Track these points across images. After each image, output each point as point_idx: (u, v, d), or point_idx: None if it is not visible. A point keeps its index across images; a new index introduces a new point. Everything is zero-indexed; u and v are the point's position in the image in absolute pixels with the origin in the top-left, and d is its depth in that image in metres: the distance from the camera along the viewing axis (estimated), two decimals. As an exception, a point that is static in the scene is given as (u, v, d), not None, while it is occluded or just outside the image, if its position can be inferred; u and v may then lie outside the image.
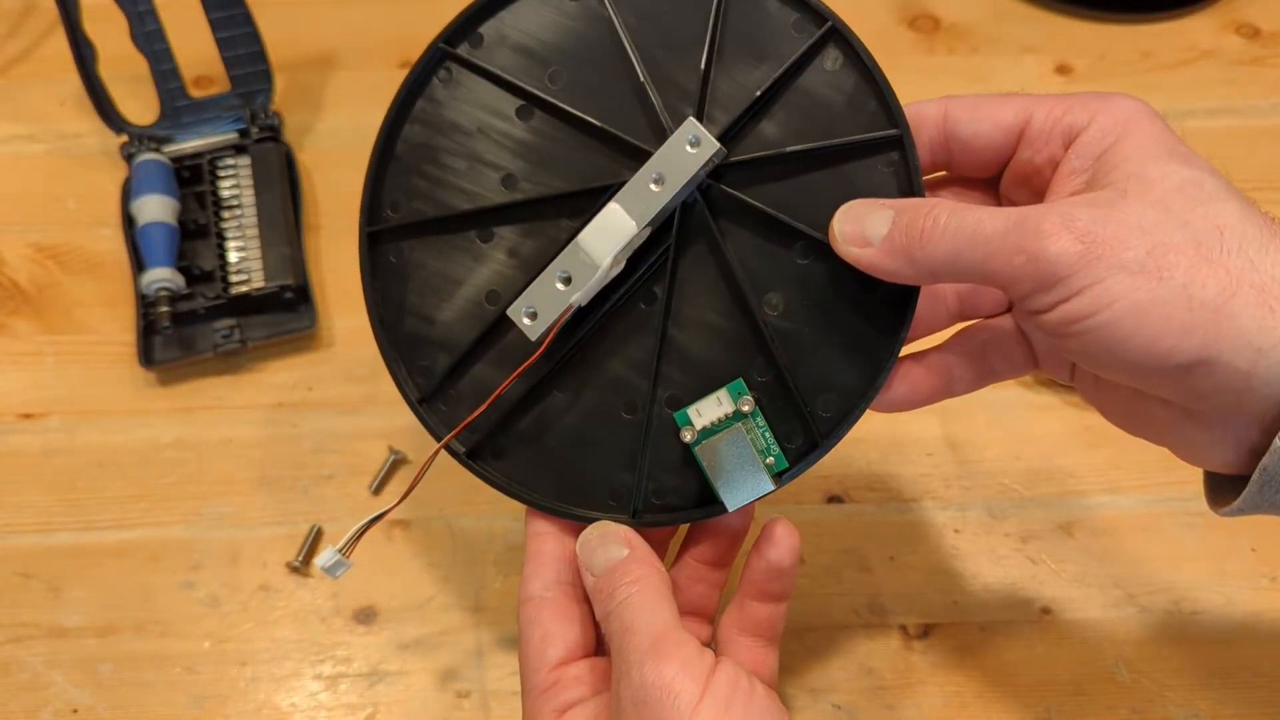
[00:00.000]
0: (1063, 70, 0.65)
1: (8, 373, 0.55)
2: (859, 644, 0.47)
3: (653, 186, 0.34)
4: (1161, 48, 0.66)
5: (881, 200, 0.34)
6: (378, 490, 0.51)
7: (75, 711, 0.46)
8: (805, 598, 0.48)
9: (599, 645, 0.37)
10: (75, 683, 0.46)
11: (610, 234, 0.34)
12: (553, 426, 0.37)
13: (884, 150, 0.35)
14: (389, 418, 0.53)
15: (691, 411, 0.35)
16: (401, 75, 0.67)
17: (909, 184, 0.34)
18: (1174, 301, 0.29)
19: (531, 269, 0.35)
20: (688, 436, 0.35)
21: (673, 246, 0.35)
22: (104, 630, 0.48)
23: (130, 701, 0.46)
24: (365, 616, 0.48)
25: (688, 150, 0.34)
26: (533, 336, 0.35)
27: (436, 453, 0.36)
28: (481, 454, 0.38)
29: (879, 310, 0.35)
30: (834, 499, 0.51)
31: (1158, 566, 0.49)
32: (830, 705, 0.46)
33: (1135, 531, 0.50)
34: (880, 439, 0.52)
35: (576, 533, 0.37)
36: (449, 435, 0.36)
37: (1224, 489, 0.34)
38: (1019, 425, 0.53)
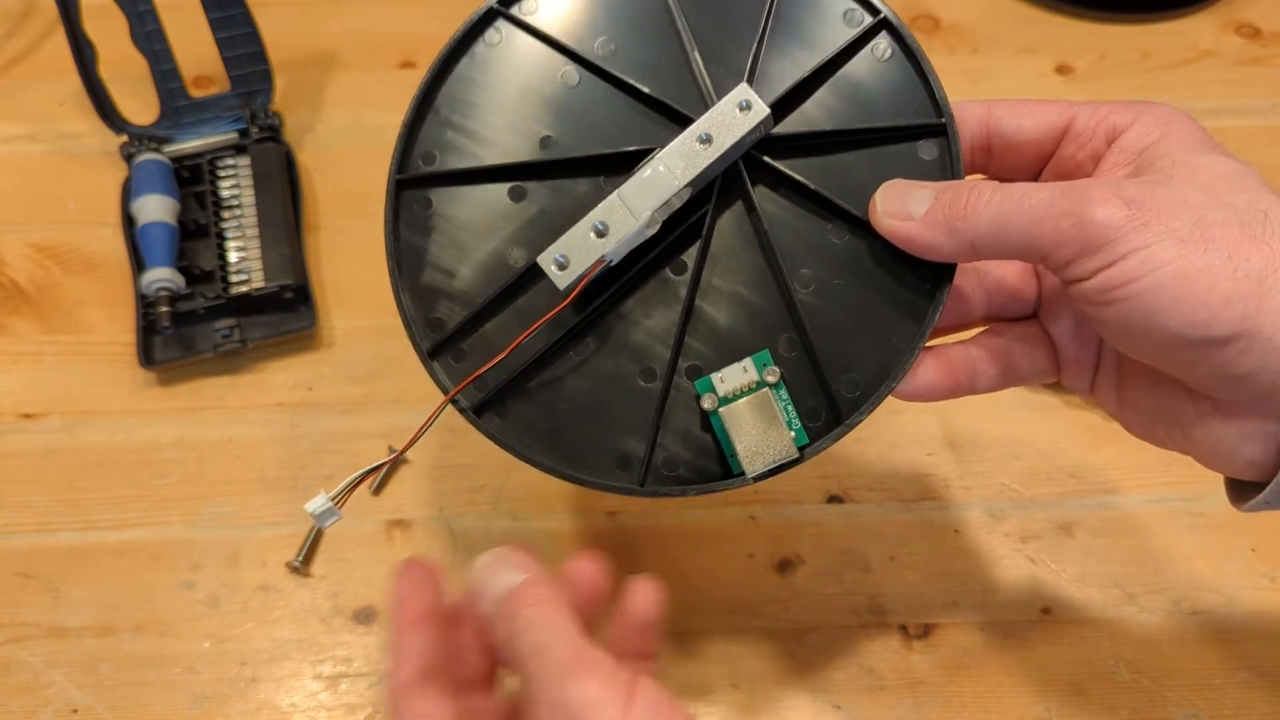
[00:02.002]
0: (1063, 70, 0.65)
1: (8, 373, 0.55)
2: (859, 644, 0.47)
3: (698, 146, 0.34)
4: (1161, 48, 0.66)
5: (923, 182, 0.34)
6: (378, 490, 0.51)
7: (75, 711, 0.46)
8: (805, 598, 0.48)
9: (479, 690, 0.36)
10: (75, 683, 0.46)
11: (652, 189, 0.34)
12: (565, 390, 0.36)
13: (928, 138, 0.35)
14: (389, 418, 0.53)
15: (715, 379, 0.35)
16: (402, 75, 0.67)
17: (951, 172, 0.35)
18: (1218, 271, 0.29)
19: (560, 231, 0.35)
20: (708, 404, 0.34)
21: (710, 212, 0.36)
22: (104, 630, 0.48)
23: (130, 701, 0.46)
24: (365, 616, 0.48)
25: (737, 113, 0.34)
26: (561, 285, 0.34)
27: (444, 404, 0.36)
28: (487, 412, 0.37)
29: (910, 295, 0.35)
30: (834, 499, 0.51)
31: (1158, 566, 0.49)
32: (830, 705, 0.46)
33: (1135, 531, 0.50)
34: (880, 439, 0.52)
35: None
36: (459, 385, 0.36)
37: (1247, 485, 0.34)
38: (1019, 425, 0.53)
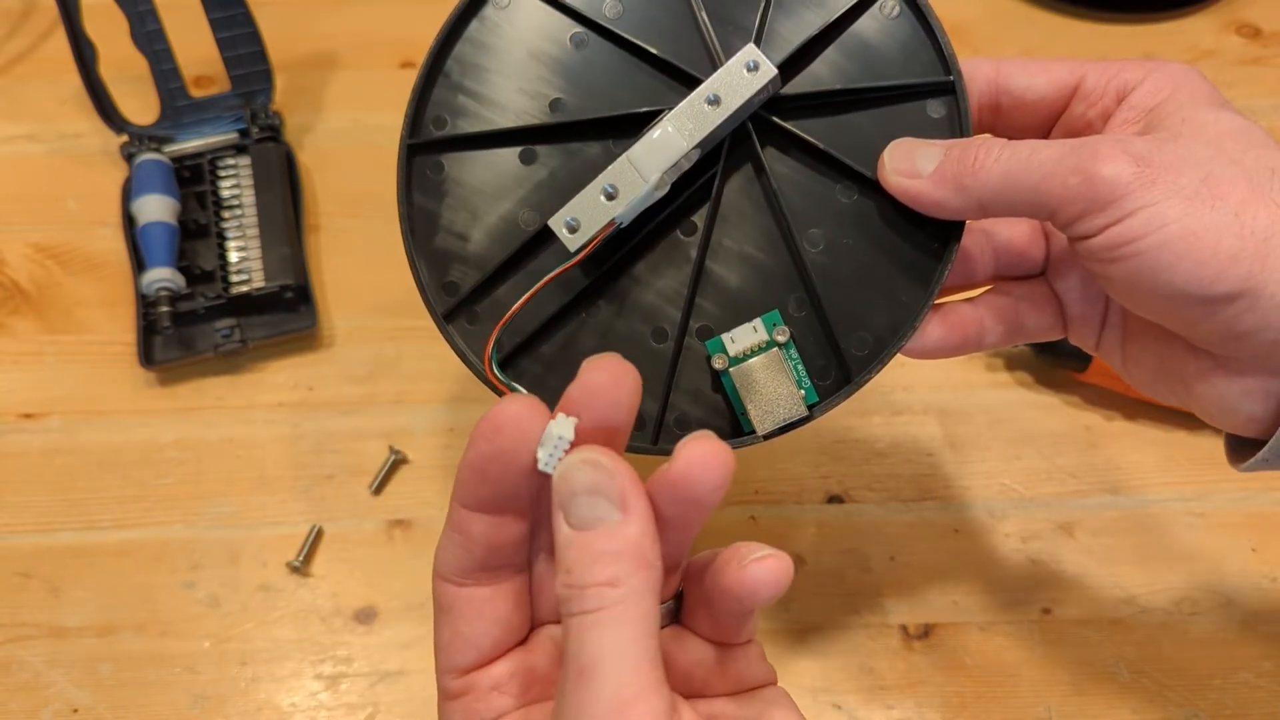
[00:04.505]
0: (1063, 70, 0.65)
1: (8, 373, 0.55)
2: (859, 644, 0.47)
3: (707, 107, 0.34)
4: (1162, 48, 0.66)
5: (932, 140, 0.34)
6: (378, 490, 0.51)
7: (75, 711, 0.46)
8: (805, 598, 0.48)
9: (541, 614, 0.31)
10: (75, 683, 0.46)
11: (661, 151, 0.34)
12: (577, 352, 0.37)
13: (936, 96, 0.35)
14: (389, 418, 0.53)
15: (725, 339, 0.35)
16: (402, 75, 0.67)
17: (959, 130, 0.35)
18: (1224, 228, 0.29)
19: (570, 193, 0.35)
20: (719, 364, 0.35)
21: (719, 173, 0.36)
22: (104, 630, 0.48)
23: (130, 701, 0.46)
24: (365, 616, 0.48)
25: (745, 74, 0.34)
26: (572, 248, 0.34)
27: (492, 338, 0.35)
28: (503, 373, 0.37)
29: (919, 254, 0.35)
30: (834, 499, 0.51)
31: (1158, 566, 0.49)
32: (830, 705, 0.46)
33: (1135, 531, 0.50)
34: (880, 439, 0.52)
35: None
36: (497, 325, 0.35)
37: (1246, 445, 0.34)
38: (1019, 425, 0.53)
